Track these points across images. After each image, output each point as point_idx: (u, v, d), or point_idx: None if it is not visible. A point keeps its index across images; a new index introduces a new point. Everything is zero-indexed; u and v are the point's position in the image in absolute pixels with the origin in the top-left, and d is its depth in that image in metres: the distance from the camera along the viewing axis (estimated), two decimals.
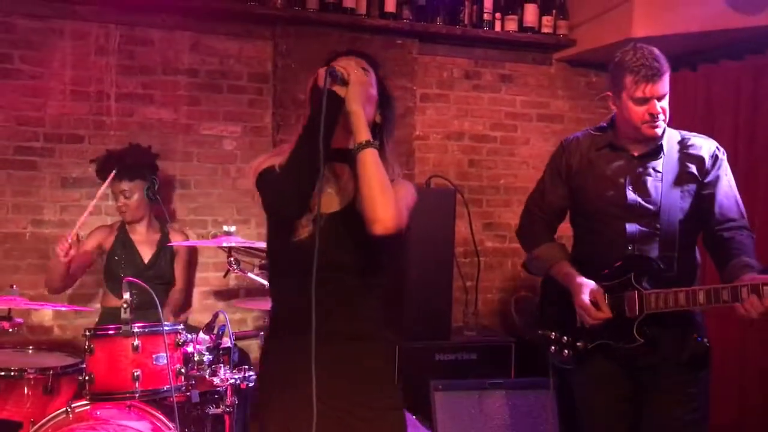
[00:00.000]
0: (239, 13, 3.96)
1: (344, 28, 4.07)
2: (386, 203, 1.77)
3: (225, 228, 3.27)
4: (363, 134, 1.81)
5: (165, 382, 2.64)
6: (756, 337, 3.62)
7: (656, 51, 2.47)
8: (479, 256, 4.35)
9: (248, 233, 4.01)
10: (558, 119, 4.63)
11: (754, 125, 3.78)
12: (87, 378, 2.61)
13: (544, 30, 4.38)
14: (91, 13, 3.82)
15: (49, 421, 2.66)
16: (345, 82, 1.82)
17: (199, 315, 3.96)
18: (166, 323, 2.67)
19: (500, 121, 4.55)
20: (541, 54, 4.56)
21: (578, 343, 2.59)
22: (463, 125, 4.49)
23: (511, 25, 4.34)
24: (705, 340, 2.49)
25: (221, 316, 2.94)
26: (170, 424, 2.70)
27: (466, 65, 4.47)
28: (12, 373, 2.76)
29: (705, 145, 2.55)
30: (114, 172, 3.47)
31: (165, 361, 2.63)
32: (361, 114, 1.82)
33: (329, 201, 1.91)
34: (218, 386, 2.77)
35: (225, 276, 3.83)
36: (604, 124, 2.69)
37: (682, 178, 2.51)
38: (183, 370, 2.69)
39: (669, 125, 2.56)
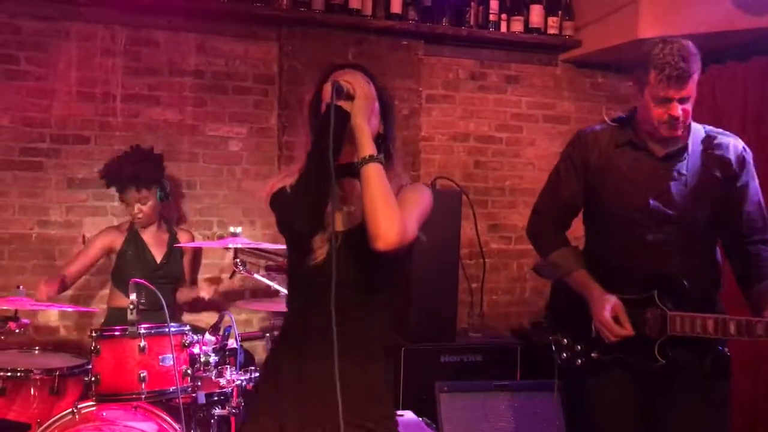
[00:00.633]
0: (245, 14, 3.96)
1: (350, 29, 4.07)
2: (389, 219, 1.75)
3: (231, 229, 3.28)
4: (367, 149, 1.80)
5: (171, 383, 2.64)
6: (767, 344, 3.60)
7: (688, 47, 2.28)
8: (485, 258, 4.34)
9: (254, 234, 4.02)
10: (564, 120, 4.62)
11: (760, 126, 3.76)
12: (93, 379, 2.62)
13: (550, 31, 4.37)
14: (97, 15, 3.82)
15: (55, 422, 2.67)
16: (350, 97, 1.82)
17: (205, 316, 3.96)
18: (172, 324, 2.67)
19: (506, 122, 4.54)
20: (547, 55, 4.56)
21: (593, 354, 2.47)
22: (468, 126, 4.48)
23: (517, 26, 4.34)
24: (726, 349, 2.40)
25: (227, 318, 2.94)
26: (176, 426, 2.69)
27: (472, 66, 4.47)
28: (18, 374, 2.77)
29: (731, 145, 2.40)
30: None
31: (171, 362, 2.63)
32: (365, 128, 1.81)
33: (342, 219, 1.91)
34: (224, 387, 2.78)
35: (231, 277, 3.83)
36: (624, 116, 2.52)
37: (707, 182, 2.37)
38: (189, 372, 2.69)
39: None
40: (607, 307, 2.36)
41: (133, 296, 2.64)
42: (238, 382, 2.78)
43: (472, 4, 4.28)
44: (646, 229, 2.38)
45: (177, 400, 2.62)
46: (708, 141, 2.41)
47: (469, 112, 4.48)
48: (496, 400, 3.51)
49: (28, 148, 3.78)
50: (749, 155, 2.42)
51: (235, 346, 2.89)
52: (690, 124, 2.38)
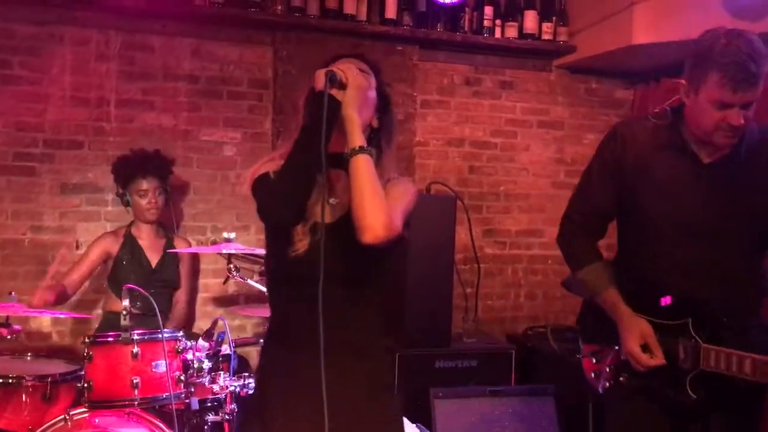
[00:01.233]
0: (239, 19, 3.95)
1: (344, 35, 4.07)
2: (376, 211, 1.73)
3: (225, 235, 3.27)
4: (357, 140, 1.77)
5: (164, 389, 2.62)
6: None
7: (755, 42, 1.95)
8: (479, 263, 4.34)
9: (248, 240, 4.01)
10: (558, 126, 4.63)
11: None
12: (86, 385, 2.60)
13: (545, 37, 4.38)
14: (92, 20, 3.81)
15: (47, 429, 2.65)
16: (343, 86, 1.79)
17: (198, 322, 3.95)
18: (165, 330, 2.66)
19: (500, 127, 4.54)
20: (542, 60, 4.56)
21: (620, 378, 2.26)
22: (463, 131, 4.48)
23: (512, 32, 4.34)
24: None
25: (221, 323, 2.93)
26: None
27: (467, 72, 4.47)
28: (10, 381, 2.75)
29: None
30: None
31: (164, 369, 2.62)
32: (355, 119, 1.78)
33: (327, 210, 1.86)
34: (217, 393, 2.77)
35: (224, 283, 3.82)
36: (667, 108, 2.19)
37: (759, 194, 2.08)
38: (182, 378, 2.68)
39: None
40: (636, 332, 2.14)
41: (126, 302, 2.63)
42: (232, 388, 2.77)
43: (467, 9, 4.29)
44: (683, 246, 2.12)
45: (170, 407, 2.61)
46: (764, 143, 2.10)
47: (464, 118, 4.48)
48: (491, 405, 3.51)
49: (22, 153, 3.77)
50: None
51: (228, 351, 2.87)
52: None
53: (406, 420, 3.10)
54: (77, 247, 3.81)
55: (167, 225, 3.80)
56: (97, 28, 3.84)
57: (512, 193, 4.56)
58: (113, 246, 3.60)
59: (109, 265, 3.62)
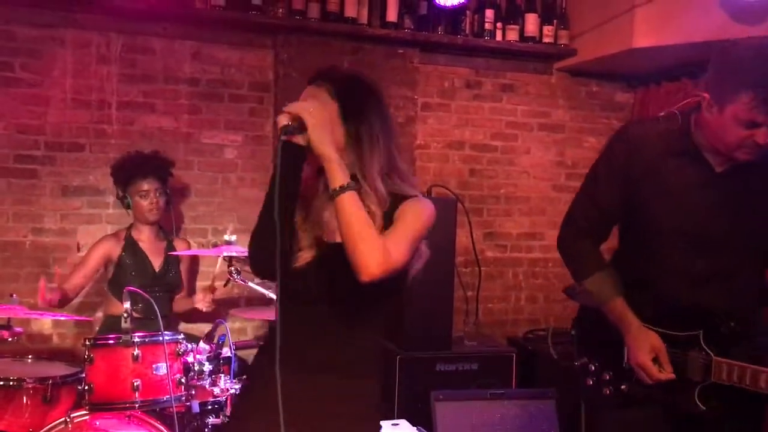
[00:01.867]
0: (240, 22, 3.96)
1: (345, 38, 4.07)
2: (368, 250, 1.67)
3: (226, 237, 3.26)
4: (336, 179, 1.70)
5: (165, 392, 2.63)
6: None
7: None
8: (480, 266, 4.34)
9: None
10: (559, 129, 4.63)
11: None
12: (86, 388, 2.60)
13: (545, 40, 4.38)
14: (93, 22, 3.82)
15: (48, 431, 2.65)
16: (303, 129, 1.71)
17: (199, 324, 3.94)
18: (166, 333, 2.66)
19: (501, 130, 4.55)
20: (542, 63, 4.57)
21: (622, 386, 2.22)
22: (464, 134, 4.48)
23: (512, 35, 4.35)
24: None
25: (221, 326, 2.93)
26: None
27: (467, 75, 4.47)
28: (11, 383, 2.74)
29: None
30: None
31: (165, 371, 2.62)
32: (331, 156, 1.70)
33: (330, 229, 1.85)
34: (218, 396, 2.77)
35: (225, 285, 3.81)
36: (676, 112, 2.11)
37: None
38: (183, 380, 2.68)
39: None
40: (646, 346, 2.10)
41: (127, 305, 2.63)
42: (232, 390, 2.77)
43: (468, 12, 4.29)
44: (693, 257, 2.07)
45: (171, 409, 2.61)
46: None
47: (465, 121, 4.48)
48: (491, 408, 3.49)
49: (23, 156, 3.77)
50: None
51: (229, 354, 2.88)
52: None
53: (406, 423, 3.10)
54: (78, 250, 3.81)
55: (167, 228, 3.79)
56: (98, 30, 3.84)
57: (513, 196, 4.57)
58: (114, 249, 3.60)
59: (109, 268, 3.62)
